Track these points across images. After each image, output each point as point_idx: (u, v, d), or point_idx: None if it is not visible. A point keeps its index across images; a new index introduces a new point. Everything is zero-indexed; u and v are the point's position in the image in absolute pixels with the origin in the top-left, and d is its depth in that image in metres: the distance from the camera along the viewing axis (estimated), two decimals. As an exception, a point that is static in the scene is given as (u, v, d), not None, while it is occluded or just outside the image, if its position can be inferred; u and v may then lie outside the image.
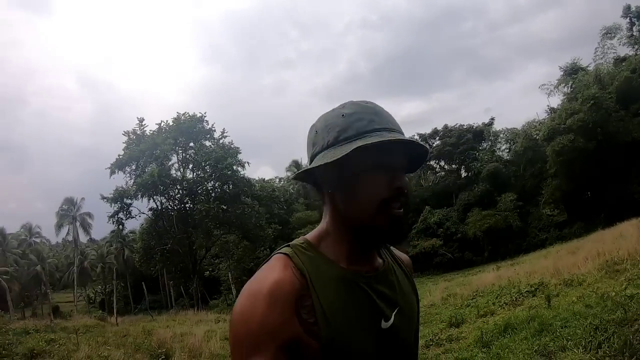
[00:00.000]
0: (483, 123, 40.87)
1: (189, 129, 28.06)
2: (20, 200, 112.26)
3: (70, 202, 39.65)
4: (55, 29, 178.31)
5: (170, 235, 27.90)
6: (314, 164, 0.78)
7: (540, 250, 25.24)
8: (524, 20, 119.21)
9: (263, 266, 0.79)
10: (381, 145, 0.73)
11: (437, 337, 7.22)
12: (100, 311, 31.82)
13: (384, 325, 0.81)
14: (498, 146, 40.21)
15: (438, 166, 41.94)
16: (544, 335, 5.15)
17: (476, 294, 11.12)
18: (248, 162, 29.09)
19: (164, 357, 8.60)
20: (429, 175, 41.71)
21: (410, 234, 34.82)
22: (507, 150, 38.74)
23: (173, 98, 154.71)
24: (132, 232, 41.89)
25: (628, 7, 32.17)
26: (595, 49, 32.43)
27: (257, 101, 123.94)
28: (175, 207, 28.73)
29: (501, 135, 39.80)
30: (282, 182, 46.48)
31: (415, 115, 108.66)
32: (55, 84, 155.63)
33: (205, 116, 29.09)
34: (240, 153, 28.78)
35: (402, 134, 0.80)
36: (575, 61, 33.68)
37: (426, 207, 36.95)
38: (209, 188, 28.24)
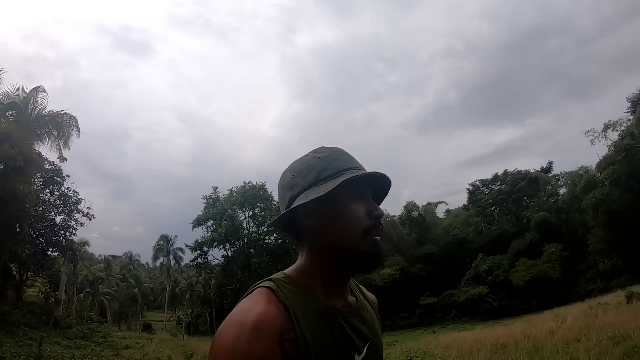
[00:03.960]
0: (542, 168, 43.19)
1: (252, 196, 38.92)
2: (123, 224, 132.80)
3: (165, 239, 50.87)
4: (156, 70, 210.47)
5: (236, 278, 37.48)
6: (297, 203, 0.90)
7: (577, 303, 27.28)
8: (613, 32, 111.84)
9: (246, 298, 0.87)
10: (360, 179, 0.89)
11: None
12: (180, 332, 41.49)
13: (357, 359, 0.91)
14: (560, 191, 41.72)
15: (494, 213, 44.80)
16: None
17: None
18: None
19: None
20: (486, 223, 44.70)
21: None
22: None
23: (266, 132, 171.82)
24: (218, 265, 52.45)
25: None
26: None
27: (350, 135, 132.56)
28: (241, 257, 38.54)
29: (561, 180, 41.66)
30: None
31: (509, 142, 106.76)
32: (156, 120, 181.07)
33: (265, 184, 40.36)
34: None
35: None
36: None
37: (480, 254, 40.40)
38: (269, 242, 38.23)
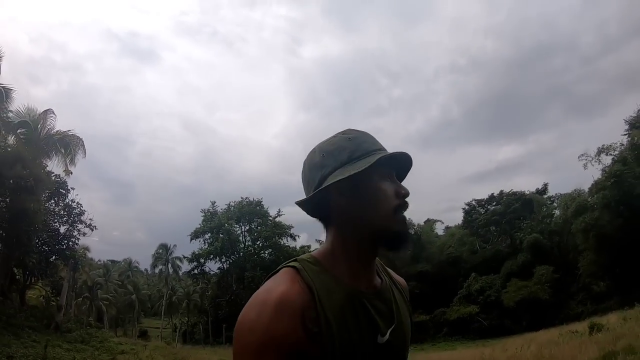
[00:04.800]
0: (537, 189, 44.32)
1: (249, 211, 41.11)
2: (124, 229, 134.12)
3: (164, 247, 52.21)
4: (161, 77, 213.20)
5: (231, 290, 39.63)
6: (332, 180, 0.92)
7: (553, 328, 27.98)
8: (617, 49, 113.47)
9: (271, 278, 0.91)
10: (387, 159, 0.94)
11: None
12: (174, 339, 42.68)
13: (380, 340, 0.92)
14: (554, 212, 42.69)
15: (488, 233, 45.86)
16: None
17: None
18: (298, 236, 41.70)
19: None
20: (480, 242, 45.76)
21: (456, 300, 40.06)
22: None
23: (270, 142, 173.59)
24: (215, 274, 53.76)
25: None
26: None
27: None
28: (236, 270, 40.61)
29: (555, 202, 42.70)
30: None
31: (512, 159, 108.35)
32: (161, 127, 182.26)
33: (262, 200, 42.80)
34: (292, 228, 40.75)
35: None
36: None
37: (472, 273, 41.43)
38: (263, 257, 40.89)
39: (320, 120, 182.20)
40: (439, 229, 55.86)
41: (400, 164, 1.01)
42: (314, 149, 1.02)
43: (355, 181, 0.92)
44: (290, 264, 0.93)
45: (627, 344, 8.41)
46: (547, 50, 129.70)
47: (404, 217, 0.97)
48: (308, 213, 1.03)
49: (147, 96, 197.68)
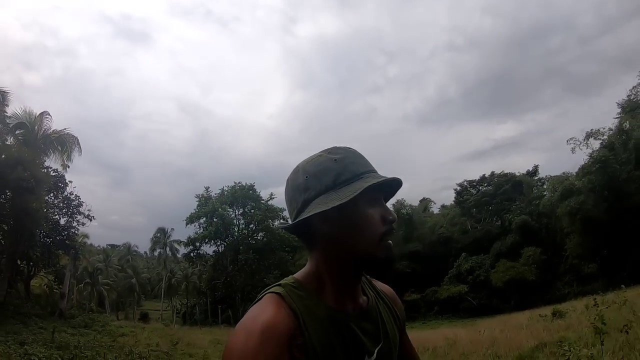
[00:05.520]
0: (528, 171, 45.42)
1: (242, 195, 42.62)
2: (122, 213, 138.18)
3: (162, 231, 53.78)
4: (155, 59, 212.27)
5: (226, 272, 41.51)
6: (316, 208, 0.89)
7: (545, 307, 29.26)
8: (615, 29, 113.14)
9: (255, 305, 0.90)
10: (377, 184, 0.89)
11: None
12: (172, 321, 44.67)
13: None
14: (545, 194, 43.74)
15: (480, 214, 47.13)
16: None
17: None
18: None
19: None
20: (472, 222, 47.12)
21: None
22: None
23: (266, 123, 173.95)
24: (211, 257, 55.49)
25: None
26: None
27: (350, 127, 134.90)
28: (230, 252, 42.32)
29: (546, 184, 43.80)
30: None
31: (509, 138, 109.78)
32: (156, 110, 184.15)
33: (254, 185, 44.32)
34: (284, 210, 42.21)
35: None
36: (633, 97, 33.50)
37: (463, 253, 42.91)
38: (257, 239, 42.69)
39: (316, 100, 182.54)
40: (435, 208, 57.33)
41: (390, 185, 0.99)
42: (297, 167, 0.99)
43: (341, 209, 0.89)
44: (273, 289, 0.94)
45: (561, 336, 9.08)
46: (545, 29, 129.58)
47: (390, 244, 0.95)
48: (291, 233, 1.02)
49: (141, 79, 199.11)
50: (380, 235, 0.92)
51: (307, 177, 0.94)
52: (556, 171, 44.67)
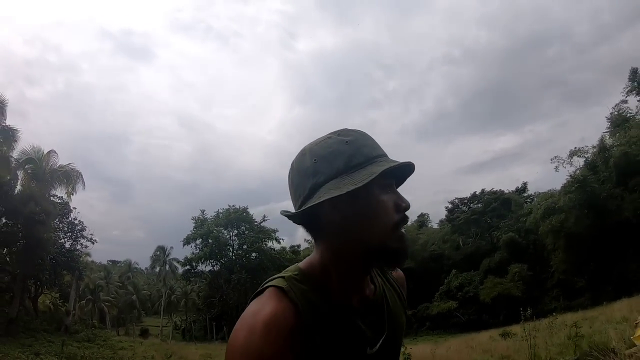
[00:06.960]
0: (517, 188, 47.51)
1: (236, 218, 45.87)
2: (123, 228, 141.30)
3: (162, 249, 56.04)
4: (156, 75, 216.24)
5: (221, 290, 44.24)
6: (327, 194, 0.83)
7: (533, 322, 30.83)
8: (611, 38, 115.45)
9: (256, 299, 0.87)
10: (391, 168, 0.84)
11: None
12: (171, 337, 46.99)
13: (369, 351, 0.92)
14: (532, 210, 45.43)
15: (470, 231, 49.02)
16: None
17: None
18: (282, 239, 46.48)
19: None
20: (463, 239, 48.97)
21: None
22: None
23: (266, 137, 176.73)
24: (208, 275, 57.66)
25: (635, 71, 34.31)
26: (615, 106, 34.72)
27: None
28: (225, 272, 45.25)
29: (535, 201, 45.68)
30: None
31: (508, 150, 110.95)
32: (157, 125, 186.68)
33: (247, 208, 47.56)
34: (277, 231, 45.48)
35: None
36: (621, 111, 34.90)
37: (453, 270, 44.80)
38: (251, 259, 45.84)
39: (316, 114, 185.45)
40: (434, 223, 59.34)
41: (402, 170, 0.94)
42: (304, 150, 0.94)
43: (353, 195, 0.83)
44: (275, 282, 0.90)
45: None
46: (541, 40, 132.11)
47: (403, 234, 0.90)
48: (295, 222, 0.95)
49: (142, 94, 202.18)
50: (394, 224, 0.88)
51: (315, 160, 0.89)
52: (557, 183, 46.10)
